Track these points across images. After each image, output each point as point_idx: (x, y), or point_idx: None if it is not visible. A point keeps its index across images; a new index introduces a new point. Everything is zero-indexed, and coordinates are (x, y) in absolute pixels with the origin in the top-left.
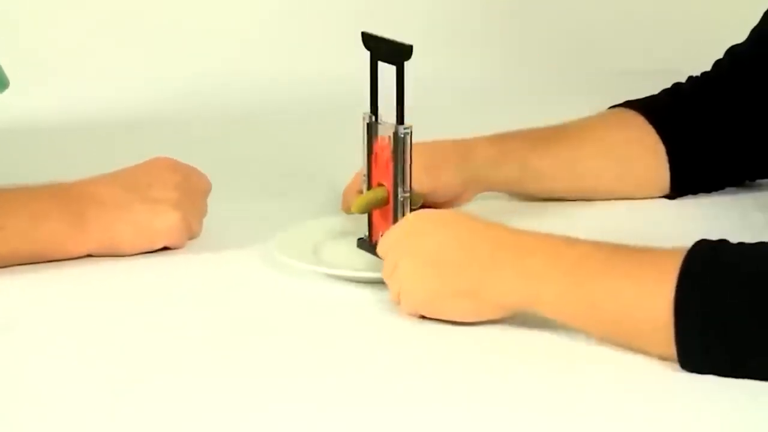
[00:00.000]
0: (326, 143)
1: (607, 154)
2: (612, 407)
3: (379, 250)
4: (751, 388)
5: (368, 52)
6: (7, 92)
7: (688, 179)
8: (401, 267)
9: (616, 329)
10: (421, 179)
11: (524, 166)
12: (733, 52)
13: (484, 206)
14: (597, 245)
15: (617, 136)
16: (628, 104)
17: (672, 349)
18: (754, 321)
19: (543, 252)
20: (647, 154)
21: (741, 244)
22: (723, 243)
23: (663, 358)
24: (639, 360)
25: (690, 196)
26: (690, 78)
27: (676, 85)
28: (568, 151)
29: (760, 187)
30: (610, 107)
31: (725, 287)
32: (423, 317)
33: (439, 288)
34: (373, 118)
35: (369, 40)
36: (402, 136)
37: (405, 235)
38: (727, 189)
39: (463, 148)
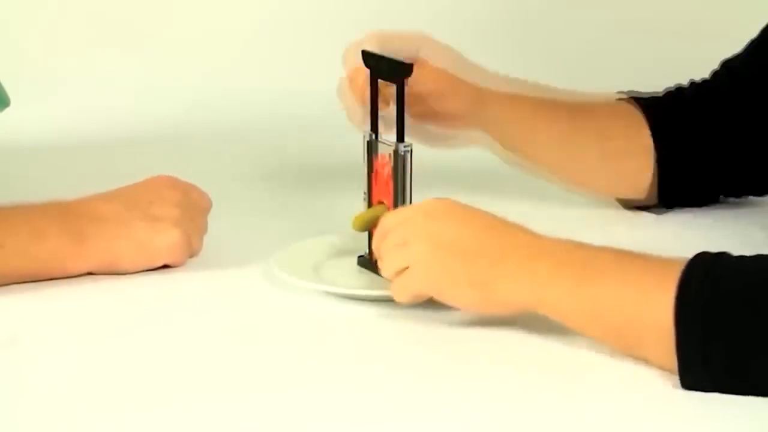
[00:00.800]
0: (327, 160)
1: (603, 151)
2: (612, 420)
3: (384, 222)
4: (753, 405)
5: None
6: (7, 110)
7: (675, 188)
8: (415, 247)
9: (617, 333)
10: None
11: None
12: (729, 65)
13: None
14: (603, 250)
15: (617, 134)
16: (635, 99)
17: (671, 359)
18: (753, 331)
19: (551, 255)
20: (639, 155)
21: (741, 256)
22: (723, 255)
23: (662, 366)
24: (640, 372)
25: (689, 213)
26: (692, 83)
27: (679, 90)
28: (569, 136)
29: (761, 205)
30: (618, 97)
31: (724, 298)
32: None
33: (453, 274)
34: (373, 136)
35: (369, 58)
36: (402, 153)
37: (424, 215)
38: (727, 207)
39: (479, 91)
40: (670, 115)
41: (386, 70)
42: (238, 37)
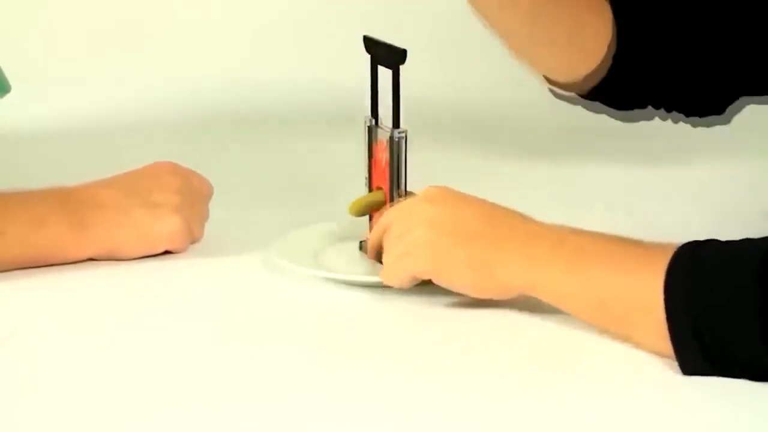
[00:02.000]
0: (328, 148)
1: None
2: (615, 407)
3: (384, 217)
4: (752, 391)
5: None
6: (8, 96)
7: (615, 82)
8: (416, 232)
9: (609, 316)
10: None
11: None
12: None
13: None
14: (597, 235)
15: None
16: None
17: (663, 342)
18: (739, 311)
19: (548, 238)
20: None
21: (729, 240)
22: (711, 240)
23: (654, 349)
24: (640, 357)
25: (693, 208)
26: None
27: None
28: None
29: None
30: None
31: (710, 280)
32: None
33: (451, 256)
34: (374, 122)
35: (370, 44)
36: (397, 139)
37: (423, 202)
38: (733, 197)
39: None
40: (634, 8)
41: (384, 56)
42: (240, 28)
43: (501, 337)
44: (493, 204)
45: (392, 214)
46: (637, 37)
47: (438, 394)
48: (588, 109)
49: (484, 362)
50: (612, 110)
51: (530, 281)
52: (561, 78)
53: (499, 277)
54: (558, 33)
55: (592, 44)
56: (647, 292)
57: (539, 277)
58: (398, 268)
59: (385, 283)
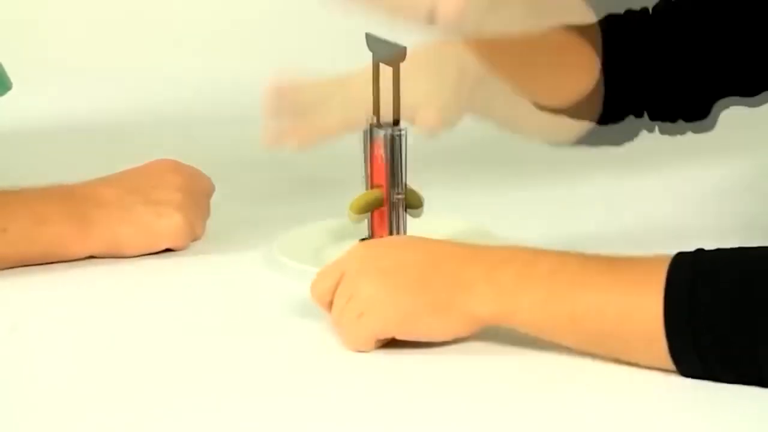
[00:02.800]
0: (330, 145)
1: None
2: (611, 408)
3: (318, 290)
4: (752, 390)
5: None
6: (9, 94)
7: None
8: (363, 291)
9: (599, 339)
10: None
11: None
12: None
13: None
14: (566, 255)
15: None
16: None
17: (663, 361)
18: (743, 324)
19: (513, 263)
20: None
21: (719, 251)
22: (701, 252)
23: (652, 367)
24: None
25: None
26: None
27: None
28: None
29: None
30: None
31: (712, 298)
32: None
33: (410, 306)
34: (375, 119)
35: (371, 42)
36: (396, 137)
37: (361, 261)
38: (731, 191)
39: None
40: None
41: (385, 54)
42: (241, 25)
43: (500, 337)
44: (433, 241)
45: (327, 281)
46: (623, 50)
47: (438, 393)
48: (587, 145)
49: (484, 362)
50: (606, 138)
51: (503, 310)
52: (553, 103)
53: (465, 314)
54: (549, 63)
55: (582, 68)
56: (643, 316)
57: (513, 305)
58: (355, 332)
59: (351, 351)
